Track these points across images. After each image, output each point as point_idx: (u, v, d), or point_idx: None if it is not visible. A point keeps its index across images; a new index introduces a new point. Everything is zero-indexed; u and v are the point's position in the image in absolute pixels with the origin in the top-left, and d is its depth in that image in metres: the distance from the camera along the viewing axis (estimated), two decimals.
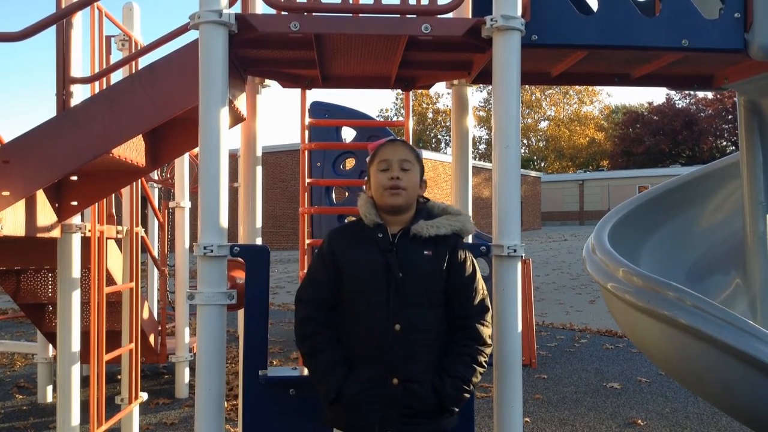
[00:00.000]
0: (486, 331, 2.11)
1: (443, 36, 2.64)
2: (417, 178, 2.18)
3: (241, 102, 3.23)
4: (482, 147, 56.49)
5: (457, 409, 2.09)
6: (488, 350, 2.12)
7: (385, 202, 2.13)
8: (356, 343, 2.07)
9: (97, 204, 3.60)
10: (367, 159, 2.26)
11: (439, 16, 2.60)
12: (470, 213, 3.49)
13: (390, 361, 2.02)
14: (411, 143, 3.78)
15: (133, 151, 3.28)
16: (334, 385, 2.03)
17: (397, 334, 2.02)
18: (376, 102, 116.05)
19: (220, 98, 2.43)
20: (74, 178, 3.29)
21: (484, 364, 2.10)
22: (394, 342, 2.02)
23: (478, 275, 2.18)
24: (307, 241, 4.14)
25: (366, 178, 2.26)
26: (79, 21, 3.24)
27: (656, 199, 4.31)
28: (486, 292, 2.17)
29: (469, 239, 3.45)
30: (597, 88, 52.93)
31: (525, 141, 57.46)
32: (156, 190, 6.96)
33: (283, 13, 2.70)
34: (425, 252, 2.10)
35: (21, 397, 5.65)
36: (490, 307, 2.16)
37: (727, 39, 2.78)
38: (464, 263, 2.15)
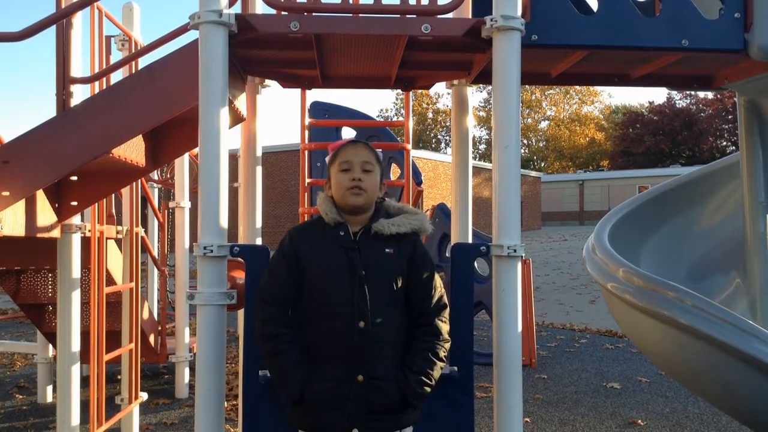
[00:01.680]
0: (445, 327, 2.16)
1: (443, 36, 2.64)
2: (378, 180, 2.20)
3: (241, 102, 3.23)
4: (482, 147, 56.50)
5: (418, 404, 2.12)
6: (447, 345, 2.16)
7: (347, 202, 2.15)
8: (320, 341, 2.08)
9: (97, 204, 3.59)
10: (327, 159, 2.27)
11: (439, 16, 2.60)
12: (470, 213, 3.50)
13: (355, 359, 2.04)
14: (411, 143, 3.80)
15: (133, 151, 3.28)
16: (299, 384, 2.05)
17: (362, 331, 2.04)
18: (376, 102, 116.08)
19: (220, 98, 2.43)
20: (74, 178, 3.29)
21: (444, 359, 2.14)
22: (358, 339, 2.04)
23: (436, 273, 2.22)
24: None
25: (326, 178, 2.27)
26: (79, 21, 3.24)
27: (656, 199, 4.32)
28: (443, 290, 2.21)
29: (470, 237, 3.47)
30: (598, 88, 52.96)
31: (525, 141, 57.46)
32: (156, 190, 6.95)
33: (283, 13, 2.70)
34: (387, 250, 2.13)
35: (21, 397, 5.65)
36: (447, 304, 2.21)
37: (727, 39, 2.78)
38: (423, 261, 2.18)
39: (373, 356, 2.05)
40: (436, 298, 2.17)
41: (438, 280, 2.21)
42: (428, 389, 2.10)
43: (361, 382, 2.04)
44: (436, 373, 2.11)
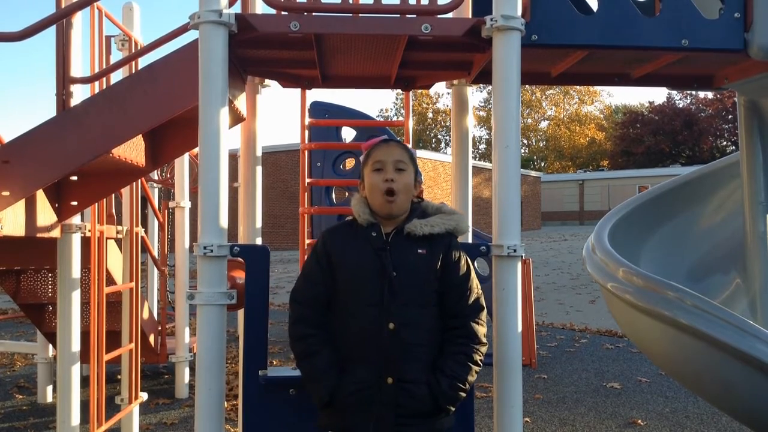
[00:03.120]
0: (481, 330, 2.11)
1: (443, 36, 2.64)
2: (411, 179, 2.17)
3: (241, 102, 3.23)
4: (482, 147, 56.50)
5: (453, 409, 2.08)
6: (484, 349, 2.12)
7: (381, 209, 2.14)
8: (350, 342, 2.06)
9: (97, 204, 3.60)
10: (361, 158, 2.26)
11: (439, 16, 2.60)
12: (470, 213, 3.50)
13: (384, 361, 2.01)
14: (411, 143, 3.80)
15: (133, 151, 3.28)
16: (328, 387, 2.03)
17: (392, 332, 2.02)
18: (376, 102, 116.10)
19: (220, 98, 2.43)
20: (74, 178, 3.29)
21: (479, 362, 2.10)
22: (388, 341, 2.01)
23: (473, 274, 2.18)
24: (307, 241, 4.13)
25: (360, 178, 2.25)
26: (79, 21, 3.24)
27: (656, 199, 4.31)
28: (481, 292, 2.17)
29: (470, 237, 3.47)
30: (598, 88, 52.97)
31: (525, 141, 57.47)
32: (156, 190, 6.96)
33: (283, 13, 2.71)
34: (419, 251, 2.10)
35: (21, 397, 5.66)
36: (484, 306, 2.16)
37: (727, 39, 2.78)
38: (458, 262, 2.15)
39: (403, 358, 2.02)
40: (472, 300, 2.12)
41: (475, 282, 2.16)
42: (462, 394, 2.06)
43: (391, 384, 2.01)
44: (471, 377, 2.07)
